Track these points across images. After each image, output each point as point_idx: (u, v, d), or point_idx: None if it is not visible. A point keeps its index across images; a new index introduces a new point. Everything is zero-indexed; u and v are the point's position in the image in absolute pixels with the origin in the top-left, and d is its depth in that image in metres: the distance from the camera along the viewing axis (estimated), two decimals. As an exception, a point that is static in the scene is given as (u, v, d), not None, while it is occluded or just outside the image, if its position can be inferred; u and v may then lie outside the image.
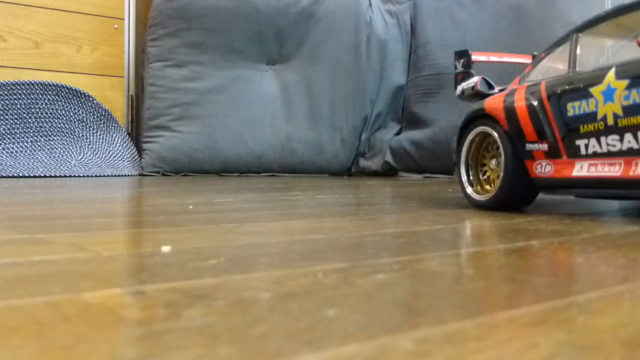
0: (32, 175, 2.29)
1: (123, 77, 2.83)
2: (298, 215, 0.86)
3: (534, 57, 1.02)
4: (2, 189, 1.50)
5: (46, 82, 2.54)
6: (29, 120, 2.49)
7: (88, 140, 2.61)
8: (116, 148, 2.65)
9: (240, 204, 1.08)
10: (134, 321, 0.30)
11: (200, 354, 0.25)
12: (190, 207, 0.98)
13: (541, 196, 0.92)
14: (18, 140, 2.45)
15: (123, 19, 2.82)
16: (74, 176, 2.37)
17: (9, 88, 2.46)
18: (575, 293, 0.37)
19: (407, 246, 0.56)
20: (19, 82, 2.49)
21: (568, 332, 0.29)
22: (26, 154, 2.43)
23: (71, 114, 2.59)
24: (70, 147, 2.55)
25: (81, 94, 2.62)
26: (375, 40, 3.06)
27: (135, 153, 2.70)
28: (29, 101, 2.50)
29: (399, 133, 2.78)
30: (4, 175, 2.23)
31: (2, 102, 2.44)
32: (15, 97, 2.47)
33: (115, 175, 2.49)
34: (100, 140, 2.64)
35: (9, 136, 2.43)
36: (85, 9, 2.72)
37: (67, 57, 2.68)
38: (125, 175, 2.53)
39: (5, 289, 0.37)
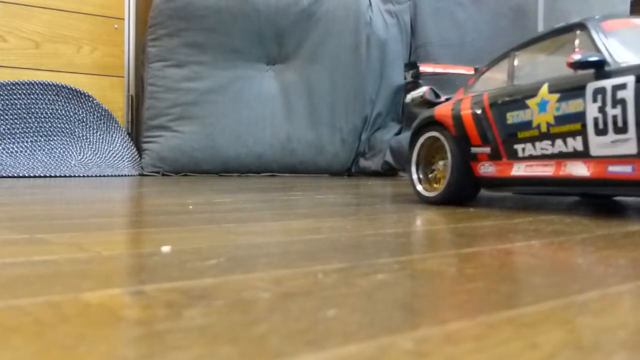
0: (32, 175, 2.29)
1: (123, 77, 2.83)
2: (298, 215, 0.86)
3: (476, 70, 1.13)
4: (2, 189, 1.50)
5: (46, 82, 2.54)
6: (29, 120, 2.49)
7: (88, 140, 2.61)
8: (116, 148, 2.65)
9: (240, 204, 1.08)
10: (134, 321, 0.30)
11: (200, 354, 0.25)
12: (190, 207, 0.98)
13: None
14: (18, 140, 2.44)
15: (123, 19, 2.82)
16: (74, 176, 2.36)
17: (9, 88, 2.46)
18: (575, 293, 0.37)
19: (407, 246, 0.56)
20: (19, 82, 2.49)
21: (568, 332, 0.29)
22: (26, 154, 2.43)
23: (71, 114, 2.59)
24: (70, 147, 2.55)
25: (81, 94, 2.62)
26: (375, 40, 3.06)
27: (135, 153, 2.70)
28: (29, 101, 2.50)
29: (399, 133, 2.78)
30: (4, 175, 2.23)
31: (2, 102, 2.44)
32: (15, 97, 2.47)
33: (115, 175, 2.49)
34: (100, 140, 2.64)
35: (9, 136, 2.43)
36: (85, 9, 2.72)
37: (67, 57, 2.68)
38: (125, 175, 2.53)
39: (5, 289, 0.37)
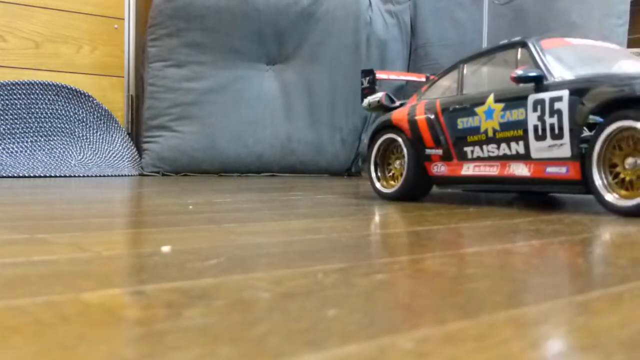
0: (32, 175, 2.29)
1: (123, 77, 2.83)
2: (298, 215, 0.86)
3: (427, 78, 1.27)
4: (2, 189, 1.50)
5: (46, 82, 2.54)
6: (29, 120, 2.49)
7: (88, 140, 2.61)
8: (116, 148, 2.65)
9: (240, 204, 1.08)
10: (134, 321, 0.30)
11: (200, 354, 0.25)
12: (190, 207, 0.98)
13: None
14: (18, 140, 2.44)
15: (123, 19, 2.82)
16: (74, 176, 2.36)
17: (9, 88, 2.46)
18: (575, 293, 0.37)
19: (407, 246, 0.56)
20: (19, 82, 2.49)
21: (568, 332, 0.29)
22: (26, 154, 2.43)
23: (71, 114, 2.59)
24: (70, 147, 2.55)
25: (81, 94, 2.62)
26: (375, 40, 3.06)
27: (135, 153, 2.70)
28: (29, 101, 2.50)
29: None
30: (4, 175, 2.23)
31: (2, 102, 2.44)
32: (15, 97, 2.47)
33: (115, 175, 2.49)
34: (100, 140, 2.64)
35: (9, 136, 2.43)
36: (85, 9, 2.72)
37: (67, 57, 2.68)
38: (125, 175, 2.53)
39: (5, 289, 0.37)
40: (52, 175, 2.33)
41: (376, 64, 3.06)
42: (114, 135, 2.68)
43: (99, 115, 2.66)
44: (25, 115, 2.48)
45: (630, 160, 0.84)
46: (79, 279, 0.40)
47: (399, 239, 0.61)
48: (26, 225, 0.70)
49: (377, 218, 0.82)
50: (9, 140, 2.42)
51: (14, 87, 2.47)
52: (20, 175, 2.26)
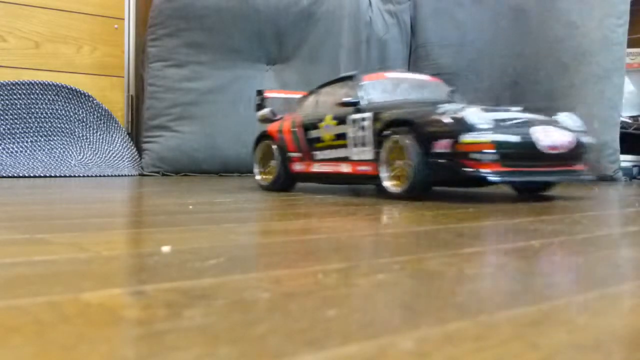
0: (32, 175, 2.29)
1: (123, 77, 2.83)
2: (298, 215, 0.86)
3: (310, 93, 1.56)
4: (2, 189, 1.50)
5: (46, 82, 2.54)
6: (29, 120, 2.49)
7: (88, 140, 2.61)
8: (116, 148, 2.65)
9: (240, 204, 1.08)
10: (134, 321, 0.30)
11: (200, 354, 0.25)
12: (190, 207, 0.98)
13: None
14: (18, 140, 2.44)
15: (123, 19, 2.82)
16: (74, 176, 2.37)
17: (9, 88, 2.46)
18: (575, 293, 0.37)
19: (407, 246, 0.56)
20: (19, 82, 2.49)
21: (568, 332, 0.29)
22: (26, 154, 2.43)
23: (71, 114, 2.59)
24: (70, 147, 2.55)
25: (81, 94, 2.62)
26: (375, 40, 3.06)
27: (135, 153, 2.70)
28: (29, 101, 2.50)
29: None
30: (4, 175, 2.23)
31: (2, 102, 2.44)
32: (15, 97, 2.47)
33: (115, 175, 2.49)
34: (100, 140, 2.64)
35: (9, 136, 2.43)
36: (85, 9, 2.72)
37: (67, 57, 2.68)
38: (125, 175, 2.53)
39: (5, 289, 0.37)
40: (52, 175, 2.33)
41: (376, 64, 3.06)
42: (114, 135, 2.68)
43: (99, 115, 2.66)
44: (25, 115, 2.48)
45: (400, 162, 1.18)
46: (79, 279, 0.40)
47: (399, 238, 0.61)
48: (26, 225, 0.70)
49: (377, 218, 0.82)
50: (9, 140, 2.42)
51: (14, 87, 2.47)
52: (20, 175, 2.26)
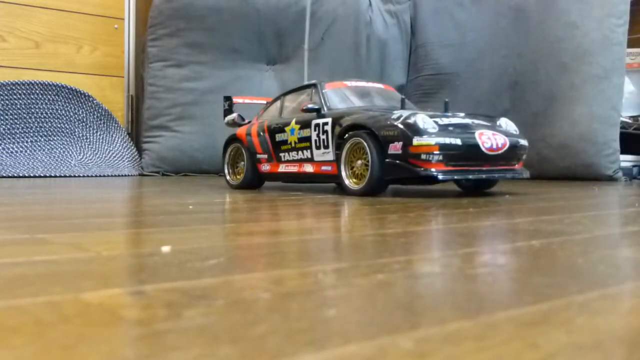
0: (32, 175, 2.29)
1: (123, 77, 2.83)
2: (298, 215, 0.86)
3: (269, 102, 1.69)
4: (2, 189, 1.50)
5: (46, 82, 2.54)
6: (29, 120, 2.49)
7: (88, 140, 2.61)
8: (116, 148, 2.65)
9: (240, 204, 1.08)
10: (134, 321, 0.30)
11: (200, 354, 0.25)
12: (190, 207, 0.98)
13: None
14: (18, 140, 2.44)
15: (123, 19, 2.82)
16: (74, 176, 2.36)
17: (9, 88, 2.46)
18: (575, 293, 0.37)
19: (407, 246, 0.56)
20: (19, 82, 2.49)
21: (568, 332, 0.29)
22: (26, 154, 2.43)
23: (71, 114, 2.59)
24: (70, 147, 2.55)
25: (81, 94, 2.62)
26: (375, 40, 3.05)
27: (135, 153, 2.70)
28: (29, 101, 2.50)
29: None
30: (4, 175, 2.23)
31: (2, 102, 2.44)
32: (15, 97, 2.47)
33: (115, 175, 2.49)
34: (100, 140, 2.64)
35: (9, 136, 2.43)
36: (85, 9, 2.72)
37: (67, 57, 2.68)
38: (125, 175, 2.53)
39: (5, 289, 0.37)
40: (52, 175, 2.33)
41: (376, 64, 3.06)
42: (114, 135, 2.68)
43: (99, 115, 2.66)
44: (25, 115, 2.48)
45: (359, 162, 1.29)
46: (79, 279, 0.40)
47: (399, 239, 0.61)
48: (26, 225, 0.70)
49: (377, 218, 0.82)
50: (9, 140, 2.42)
51: (14, 87, 2.47)
52: (20, 175, 2.26)
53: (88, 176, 2.39)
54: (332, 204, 1.07)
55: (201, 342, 0.26)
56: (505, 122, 1.38)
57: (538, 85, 2.55)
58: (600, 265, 0.47)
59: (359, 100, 1.47)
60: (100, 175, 2.43)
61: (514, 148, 1.31)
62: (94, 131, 2.64)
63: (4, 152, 2.38)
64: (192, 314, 0.31)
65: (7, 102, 2.44)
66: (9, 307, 0.32)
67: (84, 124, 2.62)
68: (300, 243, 0.58)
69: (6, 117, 2.44)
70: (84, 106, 2.63)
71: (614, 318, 0.31)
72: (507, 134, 1.32)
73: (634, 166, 2.66)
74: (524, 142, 1.36)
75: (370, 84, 1.58)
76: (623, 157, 2.48)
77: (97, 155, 2.58)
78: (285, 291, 0.37)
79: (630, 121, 2.74)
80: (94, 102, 2.65)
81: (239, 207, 1.00)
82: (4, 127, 2.42)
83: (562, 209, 0.99)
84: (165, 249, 0.53)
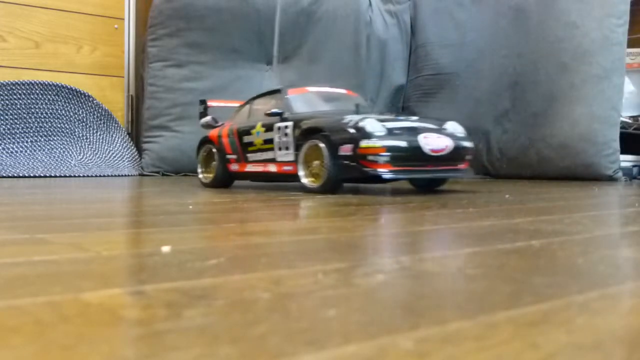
0: (32, 175, 2.29)
1: (123, 77, 2.83)
2: (298, 215, 0.86)
3: (245, 103, 1.76)
4: (2, 189, 1.50)
5: (46, 82, 2.54)
6: (29, 120, 2.49)
7: (88, 140, 2.61)
8: (116, 148, 2.65)
9: (240, 204, 1.08)
10: (134, 321, 0.30)
11: (200, 354, 0.25)
12: (190, 207, 0.98)
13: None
14: (18, 140, 2.44)
15: (123, 19, 2.82)
16: (74, 176, 2.36)
17: (9, 88, 2.46)
18: (575, 293, 0.37)
19: (407, 246, 0.56)
20: (19, 82, 2.49)
21: (568, 332, 0.29)
22: (26, 154, 2.43)
23: (71, 114, 2.59)
24: (70, 147, 2.55)
25: (81, 94, 2.62)
26: (375, 40, 3.05)
27: (135, 153, 2.70)
28: (29, 101, 2.50)
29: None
30: (4, 175, 2.23)
31: (2, 102, 2.44)
32: (15, 97, 2.47)
33: (115, 175, 2.49)
34: (100, 140, 2.64)
35: (9, 136, 2.43)
36: (85, 9, 2.72)
37: (67, 57, 2.68)
38: (125, 175, 2.53)
39: (5, 289, 0.37)
40: (52, 175, 2.33)
41: (376, 64, 3.05)
42: (114, 135, 2.68)
43: (99, 115, 2.66)
44: (25, 115, 2.48)
45: (316, 162, 1.39)
46: (79, 279, 0.40)
47: (399, 238, 0.61)
48: (26, 225, 0.70)
49: (376, 218, 0.82)
50: (9, 140, 2.42)
51: (14, 87, 2.47)
52: (20, 175, 2.26)
53: (88, 176, 2.39)
54: (332, 204, 1.07)
55: (201, 342, 0.26)
56: (452, 125, 1.45)
57: (538, 85, 2.55)
58: (600, 265, 0.47)
59: (321, 104, 1.56)
60: (100, 175, 2.43)
61: (457, 149, 1.38)
62: (94, 131, 2.64)
63: (4, 152, 2.38)
64: (192, 314, 0.31)
65: (7, 102, 2.44)
66: (9, 307, 0.32)
67: (84, 124, 2.62)
68: (300, 243, 0.58)
69: (6, 117, 2.44)
70: (84, 106, 2.63)
71: (614, 318, 0.31)
72: (451, 136, 1.40)
73: (634, 166, 2.66)
74: (468, 144, 1.43)
75: (332, 90, 1.67)
76: (623, 157, 2.48)
77: (97, 155, 2.58)
78: (285, 291, 0.37)
79: (630, 121, 2.74)
80: (94, 102, 2.65)
81: (239, 207, 1.00)
82: (4, 127, 2.42)
83: (562, 209, 0.99)
84: (165, 249, 0.53)
